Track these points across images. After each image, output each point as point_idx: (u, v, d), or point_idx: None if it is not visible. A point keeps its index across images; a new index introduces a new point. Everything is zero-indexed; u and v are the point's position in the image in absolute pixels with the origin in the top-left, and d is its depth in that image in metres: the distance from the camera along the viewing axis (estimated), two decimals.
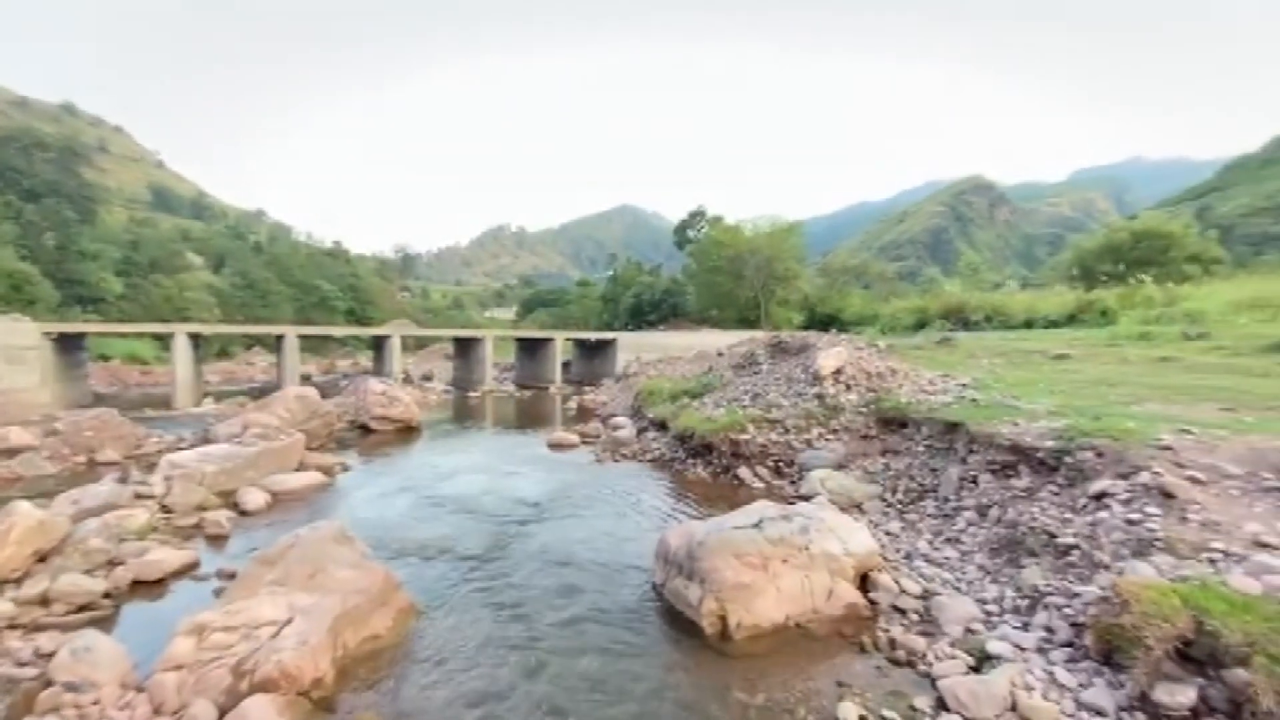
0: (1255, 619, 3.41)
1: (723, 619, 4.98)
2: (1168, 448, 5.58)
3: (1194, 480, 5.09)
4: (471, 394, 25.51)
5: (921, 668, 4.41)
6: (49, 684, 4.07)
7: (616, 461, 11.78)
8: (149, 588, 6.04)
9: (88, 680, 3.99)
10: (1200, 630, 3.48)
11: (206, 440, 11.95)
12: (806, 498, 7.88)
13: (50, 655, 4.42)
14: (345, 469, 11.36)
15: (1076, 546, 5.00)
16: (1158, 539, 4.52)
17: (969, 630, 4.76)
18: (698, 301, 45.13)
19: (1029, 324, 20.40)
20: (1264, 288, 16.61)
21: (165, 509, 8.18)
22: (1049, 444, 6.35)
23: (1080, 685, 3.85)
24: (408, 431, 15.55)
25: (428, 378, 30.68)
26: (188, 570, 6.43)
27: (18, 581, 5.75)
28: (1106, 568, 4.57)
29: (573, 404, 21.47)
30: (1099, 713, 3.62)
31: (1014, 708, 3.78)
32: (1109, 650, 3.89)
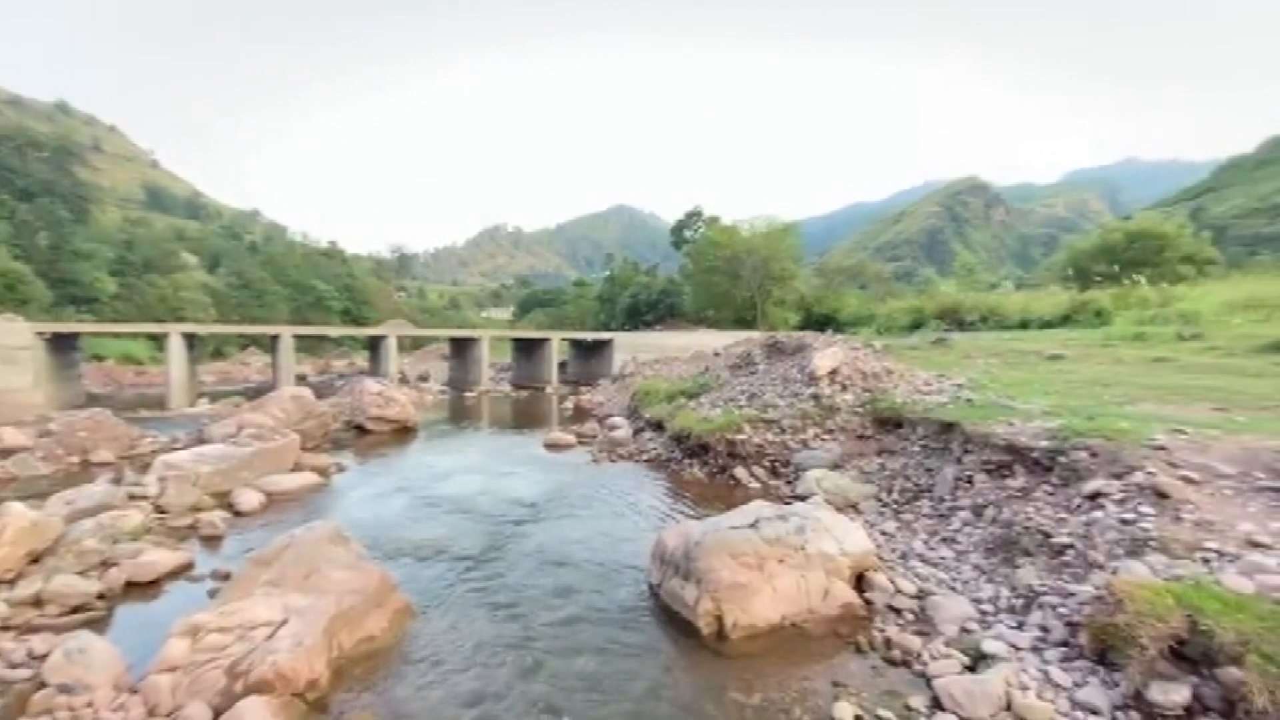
0: (1248, 618, 3.43)
1: (719, 619, 4.98)
2: (1162, 448, 5.61)
3: (1188, 480, 5.11)
4: (468, 394, 25.46)
5: (917, 667, 4.42)
6: (42, 686, 4.05)
7: (613, 462, 11.78)
8: (143, 589, 6.01)
9: (81, 682, 3.96)
10: (1194, 629, 3.50)
11: (201, 441, 11.89)
12: (802, 498, 7.88)
13: (44, 657, 4.39)
14: (341, 469, 11.33)
15: (1071, 546, 5.02)
16: (1152, 538, 4.54)
17: (964, 630, 4.78)
18: (694, 302, 45.12)
19: (1024, 324, 20.45)
20: (1258, 288, 16.67)
21: (159, 510, 8.14)
22: (1044, 444, 6.37)
23: (1075, 684, 3.86)
24: (404, 432, 15.51)
25: (424, 378, 30.61)
26: (182, 571, 6.40)
27: (11, 583, 5.71)
28: (1101, 567, 4.59)
29: (569, 404, 21.43)
30: (1094, 711, 3.64)
31: (1009, 707, 3.79)
32: (1103, 649, 3.90)
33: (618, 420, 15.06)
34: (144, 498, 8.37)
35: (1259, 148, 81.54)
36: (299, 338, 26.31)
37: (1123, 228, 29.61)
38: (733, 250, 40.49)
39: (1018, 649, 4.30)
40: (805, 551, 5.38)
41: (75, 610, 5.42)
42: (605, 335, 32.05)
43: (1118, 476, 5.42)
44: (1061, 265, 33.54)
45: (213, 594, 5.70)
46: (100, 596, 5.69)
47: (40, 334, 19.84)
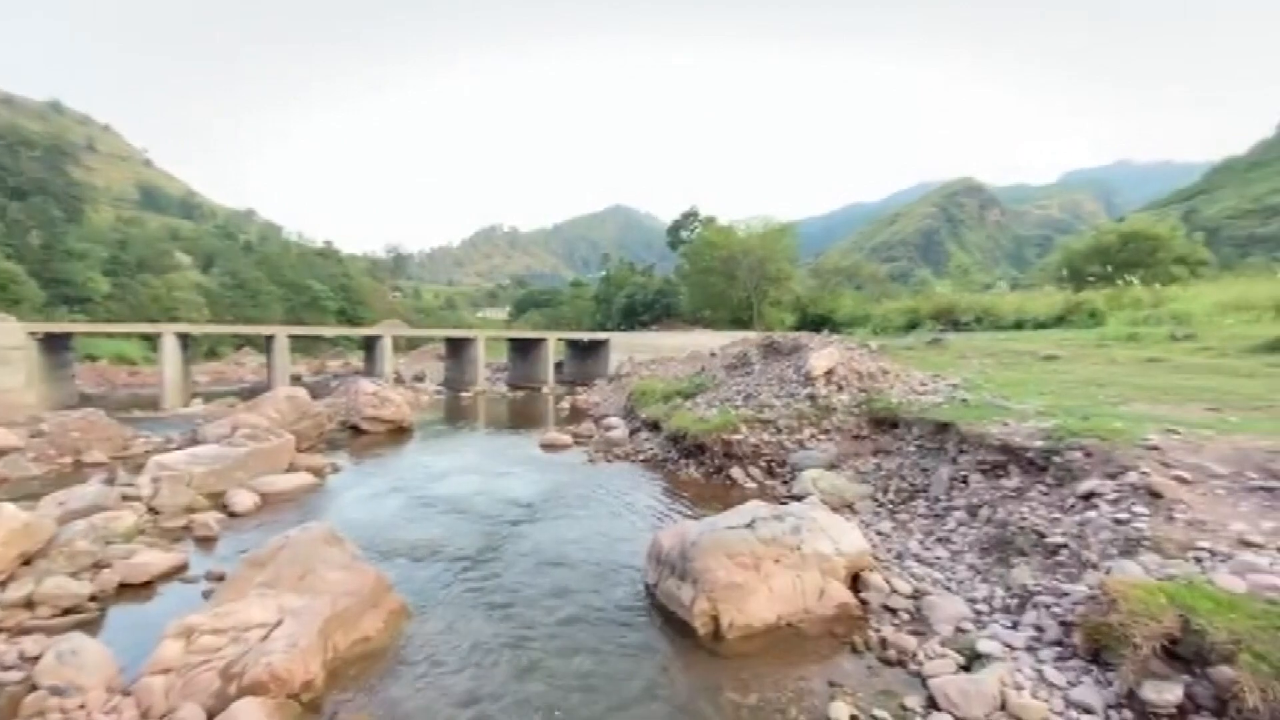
0: (1241, 617, 3.45)
1: (715, 619, 4.98)
2: (1155, 447, 5.65)
3: (1180, 480, 5.15)
4: (464, 394, 25.40)
5: (912, 667, 4.43)
6: (34, 688, 4.02)
7: (609, 462, 11.77)
8: (136, 590, 5.97)
9: (73, 684, 3.94)
10: (1187, 628, 3.51)
11: (195, 441, 11.82)
12: (799, 498, 7.90)
13: (35, 659, 4.36)
14: (336, 470, 11.29)
15: (1065, 546, 5.04)
16: (1145, 538, 4.57)
17: (959, 629, 4.79)
18: (690, 302, 45.17)
19: (1019, 325, 20.56)
20: (1250, 289, 16.78)
21: (153, 511, 8.09)
22: (1038, 444, 6.40)
23: (1069, 683, 3.88)
24: (399, 432, 15.46)
25: (420, 378, 30.52)
26: (176, 572, 6.36)
27: (3, 584, 5.66)
28: (1095, 567, 4.61)
29: (565, 404, 21.41)
30: (1087, 710, 3.65)
31: (1004, 706, 3.80)
32: (1097, 648, 3.92)
33: (614, 420, 15.05)
34: (137, 499, 8.31)
35: (1251, 150, 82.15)
36: (294, 338, 26.20)
37: (1116, 229, 29.77)
38: (729, 251, 40.57)
39: (1012, 648, 4.31)
40: (801, 551, 5.39)
41: (67, 612, 5.38)
42: (601, 335, 32.03)
43: (1111, 476, 5.44)
44: (1056, 266, 33.74)
45: (207, 595, 5.68)
46: (93, 598, 5.65)
47: (33, 334, 19.71)
